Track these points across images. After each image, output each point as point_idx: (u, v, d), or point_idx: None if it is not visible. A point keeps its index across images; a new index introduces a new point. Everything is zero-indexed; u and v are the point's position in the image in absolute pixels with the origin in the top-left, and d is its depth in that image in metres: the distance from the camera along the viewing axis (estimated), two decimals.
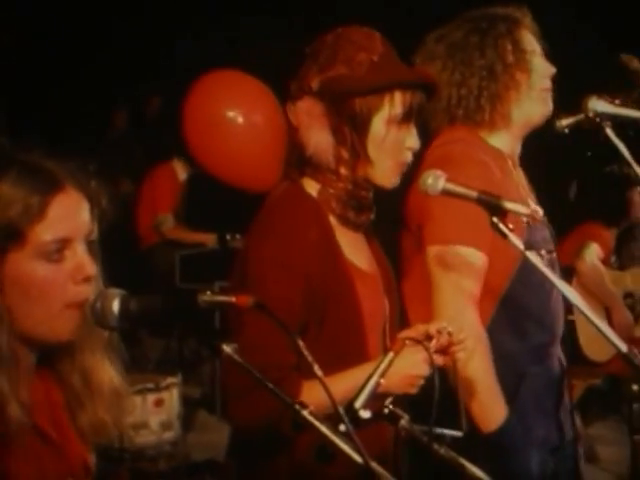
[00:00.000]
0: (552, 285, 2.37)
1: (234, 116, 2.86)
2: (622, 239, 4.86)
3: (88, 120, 6.87)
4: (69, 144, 5.78)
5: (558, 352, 2.48)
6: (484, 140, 2.44)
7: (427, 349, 1.79)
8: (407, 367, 1.88)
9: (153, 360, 6.35)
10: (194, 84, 2.98)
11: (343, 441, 1.32)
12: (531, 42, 2.45)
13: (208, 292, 1.29)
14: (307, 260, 1.92)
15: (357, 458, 1.29)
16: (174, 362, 6.05)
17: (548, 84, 2.46)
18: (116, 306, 1.38)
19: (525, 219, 2.34)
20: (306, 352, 1.35)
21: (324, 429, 1.30)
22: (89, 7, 6.57)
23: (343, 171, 1.99)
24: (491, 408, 2.30)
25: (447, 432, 1.86)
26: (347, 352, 1.95)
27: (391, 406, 1.77)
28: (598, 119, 2.52)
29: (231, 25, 7.21)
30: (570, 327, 4.42)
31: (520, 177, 2.53)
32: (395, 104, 1.98)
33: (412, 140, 2.03)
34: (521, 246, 1.93)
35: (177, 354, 6.21)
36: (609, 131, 2.57)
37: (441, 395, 2.02)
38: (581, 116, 2.57)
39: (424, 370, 1.89)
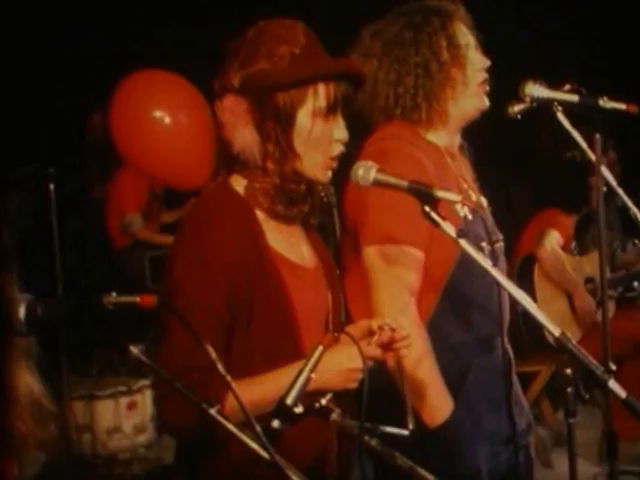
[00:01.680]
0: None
1: (160, 115, 2.86)
2: (582, 225, 4.88)
3: (64, 123, 6.76)
4: (45, 148, 5.76)
5: (504, 343, 2.49)
6: (421, 135, 2.45)
7: (355, 342, 1.79)
8: (344, 361, 1.87)
9: (129, 364, 6.32)
10: (119, 85, 2.97)
11: (251, 439, 1.33)
12: (465, 35, 2.45)
13: (113, 293, 1.29)
14: (229, 260, 1.89)
15: (264, 455, 1.29)
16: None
17: (483, 77, 2.46)
18: (22, 312, 1.37)
19: (462, 213, 2.37)
20: (214, 356, 1.34)
21: (231, 427, 1.31)
22: (60, 7, 6.49)
23: (270, 166, 1.97)
24: (437, 404, 2.32)
25: (392, 431, 1.87)
26: (279, 348, 1.94)
27: (323, 401, 1.77)
28: (535, 104, 2.56)
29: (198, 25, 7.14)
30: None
31: (461, 168, 2.53)
32: (319, 96, 1.95)
33: (340, 132, 2.01)
34: (453, 234, 1.93)
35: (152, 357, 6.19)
36: (560, 116, 2.60)
37: (387, 394, 2.05)
38: (532, 102, 2.61)
39: (361, 363, 1.86)
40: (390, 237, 2.32)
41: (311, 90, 1.96)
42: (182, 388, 1.31)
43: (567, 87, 2.58)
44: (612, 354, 4.71)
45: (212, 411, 1.32)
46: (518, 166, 5.78)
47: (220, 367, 1.33)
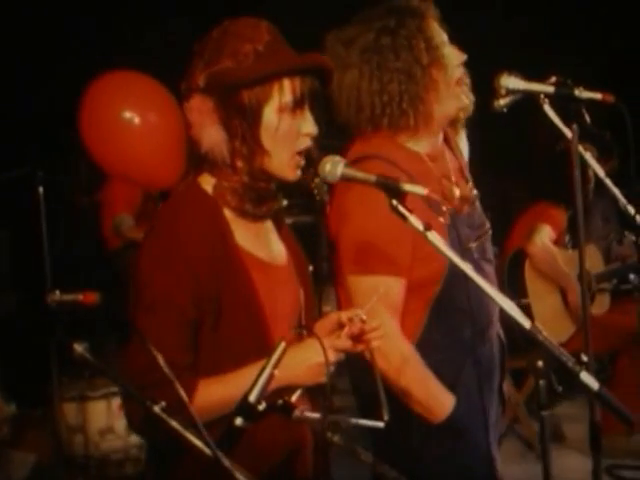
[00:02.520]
0: (480, 270, 2.39)
1: (130, 116, 2.86)
2: (575, 218, 4.85)
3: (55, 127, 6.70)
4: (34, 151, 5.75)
5: (497, 329, 2.51)
6: (401, 145, 2.42)
7: (318, 338, 1.78)
8: (313, 356, 1.88)
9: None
10: (89, 85, 2.98)
11: (195, 436, 1.31)
12: (439, 34, 2.43)
13: (57, 291, 1.28)
14: (196, 259, 1.89)
15: (207, 452, 1.28)
16: None
17: (461, 72, 2.45)
18: None
19: (443, 220, 2.36)
20: (161, 361, 1.32)
21: (175, 424, 1.29)
22: (60, 10, 6.46)
23: (239, 164, 1.97)
24: (433, 405, 2.34)
25: (367, 423, 1.86)
26: (248, 346, 1.94)
27: (293, 397, 1.76)
28: (513, 96, 2.54)
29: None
30: (525, 311, 4.43)
31: (444, 167, 2.51)
32: (284, 92, 1.95)
33: (308, 126, 2.00)
34: (421, 227, 1.91)
35: None
36: (547, 108, 2.58)
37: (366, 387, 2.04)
38: (518, 95, 2.59)
39: (331, 357, 1.88)
40: (367, 268, 2.33)
41: (276, 86, 1.95)
42: (127, 386, 1.30)
43: (553, 79, 2.57)
44: (609, 347, 4.71)
45: (156, 409, 1.31)
46: (512, 160, 5.76)
47: (168, 371, 1.32)
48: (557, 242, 4.69)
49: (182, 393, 1.32)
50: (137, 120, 2.87)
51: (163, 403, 1.38)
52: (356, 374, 2.43)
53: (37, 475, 4.06)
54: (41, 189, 3.92)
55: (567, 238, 4.80)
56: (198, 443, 1.32)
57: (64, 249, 4.62)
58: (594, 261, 4.84)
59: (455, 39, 2.48)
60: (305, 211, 4.58)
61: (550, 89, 2.48)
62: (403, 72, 2.36)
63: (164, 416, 1.31)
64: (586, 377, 1.83)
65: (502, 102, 2.58)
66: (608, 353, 4.93)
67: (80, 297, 1.34)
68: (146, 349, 1.73)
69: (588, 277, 4.73)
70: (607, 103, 2.50)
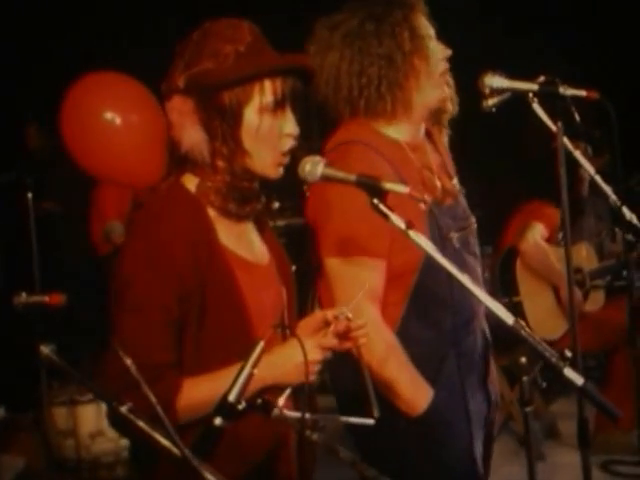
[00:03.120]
0: (462, 261, 2.39)
1: (111, 117, 2.87)
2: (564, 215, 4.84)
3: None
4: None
5: (481, 325, 2.50)
6: (381, 133, 2.43)
7: (298, 338, 1.77)
8: (299, 354, 1.85)
9: None
10: (71, 86, 2.98)
11: (163, 436, 1.30)
12: (426, 27, 2.44)
13: (23, 293, 1.27)
14: (179, 258, 1.88)
15: (176, 452, 1.27)
16: None
17: (445, 66, 2.45)
18: None
19: (423, 206, 2.35)
20: (129, 362, 1.31)
21: (142, 425, 1.28)
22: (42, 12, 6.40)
23: (220, 164, 1.97)
24: (413, 397, 2.34)
25: (357, 421, 1.86)
26: (232, 345, 1.92)
27: (281, 399, 1.76)
28: (496, 94, 2.54)
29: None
30: (518, 309, 4.43)
31: (425, 159, 2.51)
32: (265, 92, 1.95)
33: (290, 126, 1.99)
34: (402, 226, 1.90)
35: None
36: (536, 106, 2.58)
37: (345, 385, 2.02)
38: (507, 94, 2.59)
39: (317, 355, 1.88)
40: (349, 249, 2.32)
41: (257, 87, 1.95)
42: (94, 388, 1.28)
43: (542, 79, 2.57)
44: (603, 343, 4.70)
45: (122, 409, 1.30)
46: (505, 159, 5.75)
47: (134, 372, 1.30)
48: (549, 240, 4.68)
49: (150, 395, 1.31)
50: (118, 120, 2.87)
51: (130, 404, 1.37)
52: (335, 372, 2.43)
53: (26, 479, 4.06)
54: (30, 195, 3.93)
55: (560, 236, 4.78)
56: (166, 443, 1.30)
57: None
58: (588, 258, 4.84)
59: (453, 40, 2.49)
60: (298, 213, 4.58)
61: (534, 87, 2.49)
62: (384, 57, 2.37)
63: (131, 417, 1.30)
64: (570, 373, 1.82)
65: (490, 102, 2.59)
66: (603, 349, 4.91)
67: (46, 299, 1.33)
68: (122, 351, 1.73)
69: (582, 274, 4.72)
70: (592, 100, 2.50)
